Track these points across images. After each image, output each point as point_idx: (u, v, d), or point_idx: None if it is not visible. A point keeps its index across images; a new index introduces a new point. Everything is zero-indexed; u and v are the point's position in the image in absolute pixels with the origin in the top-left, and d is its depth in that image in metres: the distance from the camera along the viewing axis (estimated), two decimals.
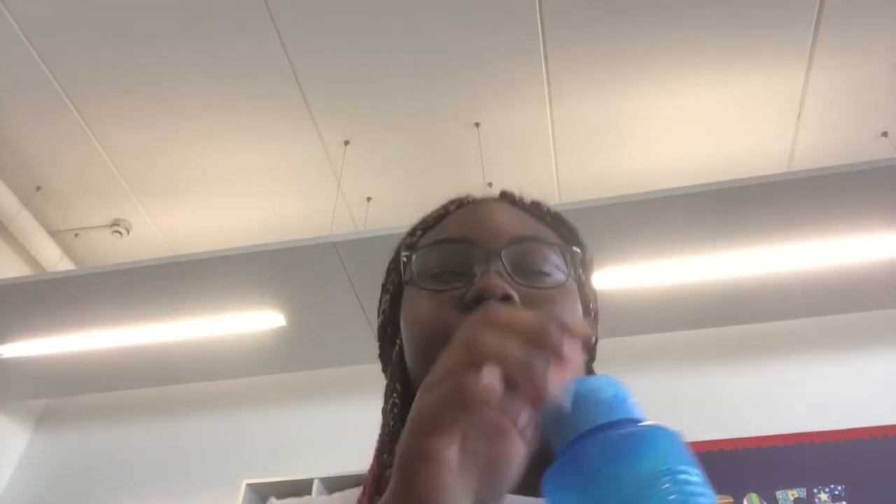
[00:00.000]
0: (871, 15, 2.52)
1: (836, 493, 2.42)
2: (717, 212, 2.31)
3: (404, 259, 0.54)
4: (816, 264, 2.47)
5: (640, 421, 0.35)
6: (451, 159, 3.05)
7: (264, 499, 2.71)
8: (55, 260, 3.37)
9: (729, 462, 2.56)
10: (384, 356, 0.59)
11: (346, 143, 3.00)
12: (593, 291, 0.60)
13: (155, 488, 3.04)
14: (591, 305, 0.58)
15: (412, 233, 0.59)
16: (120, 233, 3.36)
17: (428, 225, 0.58)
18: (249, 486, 2.65)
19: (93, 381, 3.19)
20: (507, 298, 0.46)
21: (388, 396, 0.54)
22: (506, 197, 0.61)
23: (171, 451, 3.17)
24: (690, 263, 2.47)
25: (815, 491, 2.44)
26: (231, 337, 2.83)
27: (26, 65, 2.68)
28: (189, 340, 2.84)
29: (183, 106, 2.85)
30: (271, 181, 3.17)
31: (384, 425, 0.53)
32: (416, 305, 0.51)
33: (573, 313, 0.52)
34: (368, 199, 3.25)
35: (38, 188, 3.18)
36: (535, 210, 0.59)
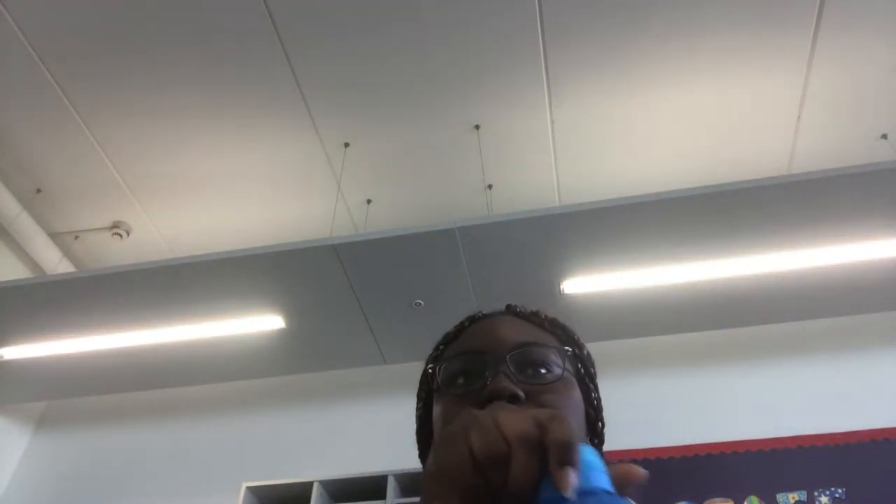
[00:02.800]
0: (871, 18, 2.52)
1: (837, 495, 2.41)
2: (717, 213, 2.31)
3: (429, 370, 0.65)
4: (816, 266, 2.47)
5: (612, 493, 0.38)
6: (451, 161, 3.05)
7: (264, 501, 2.70)
8: (55, 262, 3.37)
9: (730, 465, 2.56)
10: (422, 457, 0.67)
11: (347, 145, 3.00)
12: (594, 383, 0.69)
13: (154, 491, 3.04)
14: (592, 395, 0.66)
15: (436, 347, 0.70)
16: (120, 235, 3.36)
17: (449, 339, 0.69)
18: (249, 488, 2.64)
19: (92, 383, 3.19)
20: (514, 397, 0.55)
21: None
22: (510, 310, 0.71)
23: (171, 454, 3.17)
24: (690, 265, 2.47)
25: (816, 493, 2.43)
26: (231, 339, 2.83)
27: (27, 67, 2.68)
28: (189, 343, 2.84)
29: (183, 109, 2.85)
30: (271, 184, 3.17)
31: None
32: (444, 409, 0.60)
33: (572, 402, 0.60)
34: (368, 201, 3.25)
35: (39, 191, 3.19)
36: (535, 318, 0.69)
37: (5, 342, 2.82)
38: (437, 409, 0.62)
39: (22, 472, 3.26)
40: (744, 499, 2.46)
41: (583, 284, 2.56)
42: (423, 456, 0.67)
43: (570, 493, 0.36)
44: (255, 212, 3.29)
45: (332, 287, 2.60)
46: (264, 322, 2.74)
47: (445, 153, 3.03)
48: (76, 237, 3.41)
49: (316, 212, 3.23)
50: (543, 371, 0.60)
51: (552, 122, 2.90)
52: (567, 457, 0.37)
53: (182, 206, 3.27)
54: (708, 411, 2.75)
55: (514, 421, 0.39)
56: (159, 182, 3.15)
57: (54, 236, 3.38)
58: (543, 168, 3.07)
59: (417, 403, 0.69)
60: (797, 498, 2.44)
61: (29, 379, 3.08)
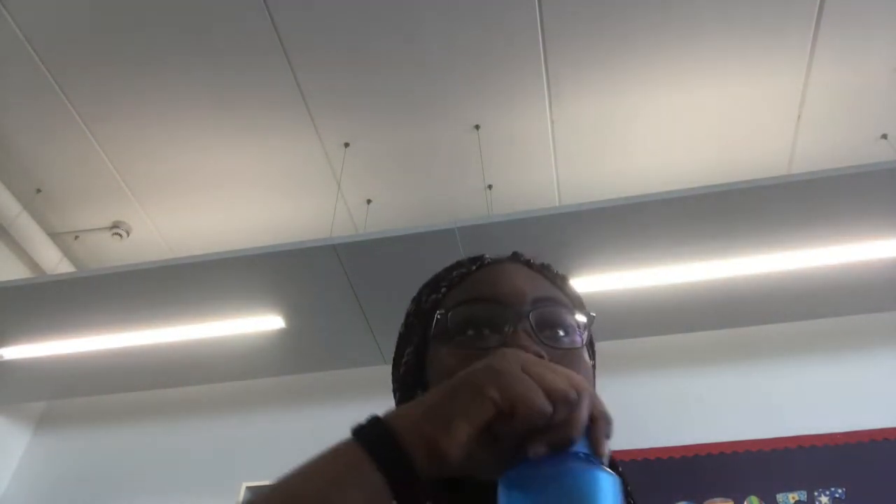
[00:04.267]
0: (871, 17, 2.52)
1: (837, 496, 2.41)
2: (717, 213, 2.31)
3: (438, 316, 0.59)
4: (816, 266, 2.47)
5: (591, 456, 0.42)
6: (452, 161, 3.05)
7: None
8: (55, 262, 3.37)
9: (730, 465, 2.56)
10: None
11: (347, 145, 3.00)
12: (594, 349, 0.67)
13: (154, 491, 3.03)
14: (594, 365, 0.64)
15: (436, 289, 0.64)
16: (120, 235, 3.36)
17: (453, 283, 0.63)
18: (249, 489, 2.64)
19: (92, 383, 3.18)
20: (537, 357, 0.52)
21: None
22: (519, 258, 0.66)
23: (171, 454, 3.17)
24: (690, 265, 2.47)
25: (816, 494, 2.43)
26: (231, 339, 2.83)
27: (27, 68, 2.68)
28: (189, 343, 2.84)
29: (183, 109, 2.85)
30: (271, 183, 3.17)
31: None
32: (450, 360, 0.55)
33: (586, 372, 0.58)
34: (368, 201, 3.25)
35: (39, 190, 3.19)
36: (547, 272, 0.65)
37: (5, 342, 2.82)
38: (439, 358, 0.57)
39: (22, 472, 3.26)
40: (744, 499, 2.46)
41: (582, 284, 2.56)
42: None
43: (605, 460, 0.41)
44: (255, 212, 3.29)
45: (332, 287, 2.60)
46: (264, 322, 2.73)
47: (445, 153, 3.03)
48: (76, 237, 3.41)
49: (316, 212, 3.23)
50: (562, 334, 0.57)
51: (552, 122, 2.90)
52: (610, 431, 0.42)
53: (182, 206, 3.27)
54: (708, 411, 2.75)
55: (557, 381, 0.41)
56: (159, 182, 3.15)
57: (54, 236, 3.38)
58: (543, 168, 3.07)
59: (405, 348, 0.63)
60: (797, 498, 2.44)
61: (29, 379, 3.08)
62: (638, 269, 2.49)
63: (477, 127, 2.92)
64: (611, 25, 2.57)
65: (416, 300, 0.66)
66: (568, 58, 2.67)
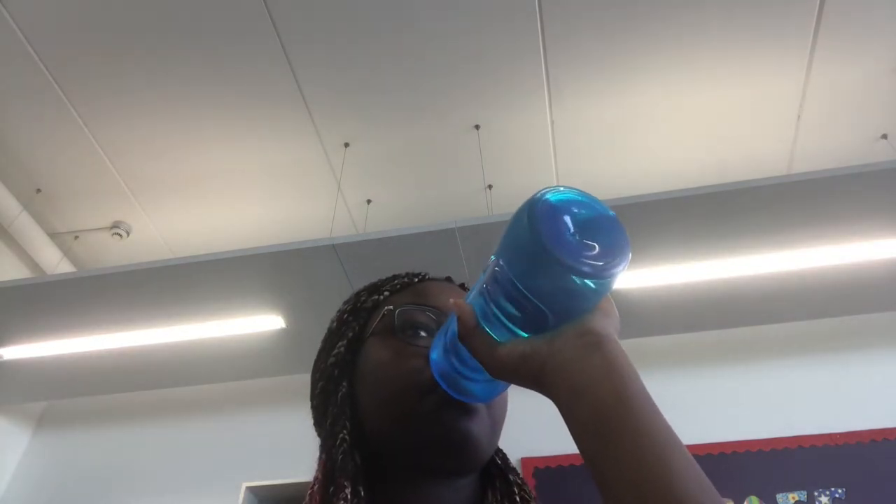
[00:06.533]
0: (871, 17, 2.52)
1: (837, 496, 2.41)
2: (717, 214, 2.31)
3: (386, 311, 0.63)
4: (816, 267, 2.47)
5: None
6: (452, 161, 3.05)
7: (264, 501, 2.71)
8: (55, 262, 3.37)
9: (729, 464, 2.56)
10: (325, 395, 0.64)
11: (346, 145, 3.00)
12: None
13: (154, 491, 3.04)
14: None
15: (377, 291, 0.69)
16: (120, 235, 3.36)
17: (394, 289, 0.68)
18: (249, 488, 2.65)
19: (92, 383, 3.19)
20: None
21: (333, 432, 0.59)
22: (453, 282, 0.72)
23: (171, 454, 3.17)
24: (689, 266, 2.47)
25: (816, 494, 2.43)
26: (231, 339, 2.83)
27: (27, 67, 2.68)
28: (189, 343, 2.84)
29: (183, 109, 2.85)
30: (271, 183, 3.17)
31: (330, 459, 0.58)
32: (388, 351, 0.60)
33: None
34: (368, 201, 3.25)
35: (39, 191, 3.19)
36: None
37: (5, 342, 2.82)
38: (376, 352, 0.61)
39: (22, 472, 3.26)
40: (744, 499, 2.46)
41: None
42: (325, 395, 0.64)
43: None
44: (255, 212, 3.29)
45: (332, 287, 2.60)
46: (264, 322, 2.73)
47: (445, 153, 3.03)
48: (76, 237, 3.41)
49: (316, 212, 3.23)
50: None
51: (552, 122, 2.90)
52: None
53: (182, 206, 3.27)
54: (708, 411, 2.75)
55: None
56: (159, 182, 3.15)
57: (54, 236, 3.38)
58: (543, 168, 3.07)
59: (337, 341, 0.65)
60: (797, 498, 2.44)
61: (29, 379, 3.08)
62: (637, 270, 2.49)
63: (477, 127, 2.92)
64: (611, 26, 2.57)
65: (354, 301, 0.70)
66: (568, 58, 2.67)
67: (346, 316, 0.68)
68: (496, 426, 0.59)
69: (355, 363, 0.63)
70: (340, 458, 0.56)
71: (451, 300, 0.53)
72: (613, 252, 0.45)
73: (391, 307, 0.63)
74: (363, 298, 0.69)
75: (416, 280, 0.69)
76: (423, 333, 0.61)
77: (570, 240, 0.45)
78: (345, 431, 0.58)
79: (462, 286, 0.71)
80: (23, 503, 3.15)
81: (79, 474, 3.19)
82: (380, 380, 0.59)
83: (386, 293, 0.68)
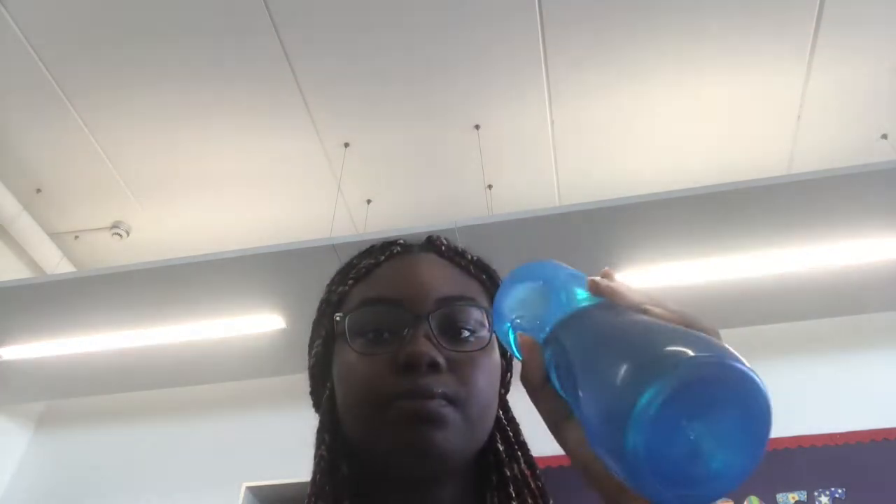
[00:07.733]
0: (871, 17, 2.52)
1: (837, 496, 2.41)
2: (717, 214, 2.31)
3: (337, 318, 0.57)
4: (816, 267, 2.47)
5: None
6: (452, 161, 3.05)
7: (264, 501, 2.71)
8: (55, 262, 3.37)
9: None
10: (315, 396, 0.62)
11: (346, 145, 3.00)
12: None
13: (154, 491, 3.03)
14: (508, 352, 0.61)
15: (343, 281, 0.62)
16: (120, 235, 3.36)
17: (360, 275, 0.61)
18: (249, 489, 2.65)
19: (92, 383, 3.19)
20: (433, 364, 0.51)
21: (318, 445, 0.57)
22: (433, 246, 0.64)
23: (171, 454, 3.17)
24: (690, 266, 2.47)
25: (816, 494, 2.43)
26: (231, 339, 2.83)
27: (27, 67, 2.68)
28: (189, 343, 2.84)
29: (183, 109, 2.85)
30: (271, 183, 3.17)
31: (316, 469, 0.56)
32: (350, 363, 0.54)
33: (491, 370, 0.56)
34: (368, 201, 3.25)
35: (39, 190, 3.19)
36: (461, 260, 0.62)
37: (5, 342, 2.82)
38: (341, 360, 0.56)
39: (22, 472, 3.26)
40: (744, 499, 2.46)
41: None
42: (315, 396, 0.62)
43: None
44: (255, 212, 3.29)
45: None
46: (264, 322, 2.73)
47: (446, 153, 3.03)
48: (76, 237, 3.41)
49: (316, 212, 3.23)
50: (467, 333, 0.55)
51: (552, 122, 2.90)
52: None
53: (182, 206, 3.27)
54: None
55: None
56: (159, 182, 3.15)
57: (54, 236, 3.38)
58: (543, 168, 3.07)
59: (315, 337, 0.62)
60: (797, 498, 2.44)
61: (29, 379, 3.08)
62: (637, 269, 2.49)
63: (477, 127, 2.92)
64: (611, 26, 2.57)
65: (328, 288, 0.63)
66: (568, 58, 2.67)
67: (323, 307, 0.63)
68: (473, 424, 0.53)
69: (332, 362, 0.59)
70: (318, 476, 0.54)
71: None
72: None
73: (340, 316, 0.57)
74: (333, 289, 0.62)
75: (383, 258, 0.61)
76: (385, 334, 0.54)
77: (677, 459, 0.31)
78: (323, 447, 0.56)
79: (440, 251, 0.63)
80: (23, 503, 3.15)
81: (79, 474, 3.19)
82: (346, 387, 0.55)
83: (351, 282, 0.61)
